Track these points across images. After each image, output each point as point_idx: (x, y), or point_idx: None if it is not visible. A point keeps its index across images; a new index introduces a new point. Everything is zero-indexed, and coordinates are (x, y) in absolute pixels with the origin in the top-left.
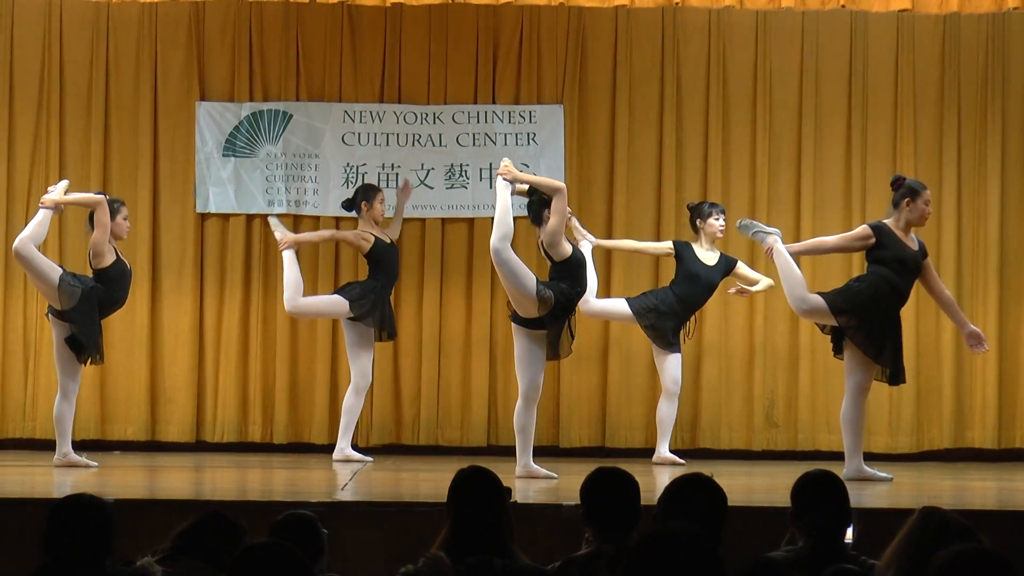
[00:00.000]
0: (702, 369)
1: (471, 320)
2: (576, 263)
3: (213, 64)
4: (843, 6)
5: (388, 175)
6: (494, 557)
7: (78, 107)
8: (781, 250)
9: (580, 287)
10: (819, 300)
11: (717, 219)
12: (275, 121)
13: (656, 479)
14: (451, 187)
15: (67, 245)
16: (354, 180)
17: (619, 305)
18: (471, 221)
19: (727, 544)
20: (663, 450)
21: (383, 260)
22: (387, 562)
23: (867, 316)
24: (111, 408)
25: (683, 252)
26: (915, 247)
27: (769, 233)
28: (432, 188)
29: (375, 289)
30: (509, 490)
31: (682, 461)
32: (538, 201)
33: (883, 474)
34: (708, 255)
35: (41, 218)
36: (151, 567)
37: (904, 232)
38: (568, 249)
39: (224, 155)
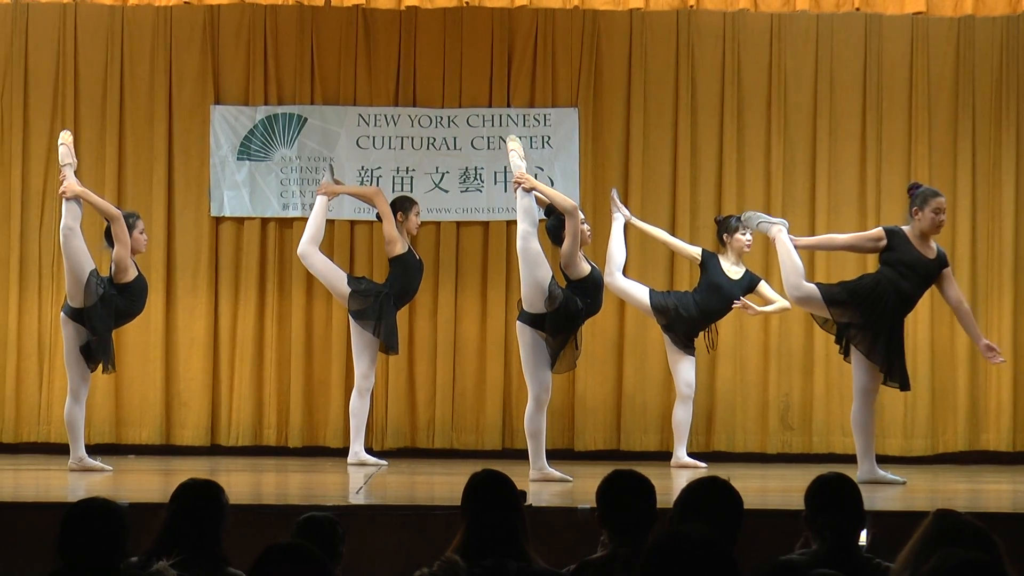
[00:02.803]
0: (717, 372)
1: (486, 323)
2: (593, 283)
3: (228, 68)
4: (857, 9)
5: (403, 178)
6: (509, 560)
7: (93, 110)
8: (783, 239)
9: (592, 305)
10: (813, 289)
11: (744, 234)
12: (290, 125)
13: (672, 482)
14: (466, 190)
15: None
16: (369, 183)
17: (641, 293)
18: (486, 224)
19: (741, 547)
20: (680, 454)
21: (406, 271)
22: (402, 565)
23: (862, 312)
24: (126, 412)
25: (709, 262)
26: (932, 255)
27: (773, 223)
28: (447, 191)
29: (380, 295)
30: (524, 493)
31: (703, 464)
32: (555, 222)
33: (895, 477)
34: (733, 269)
35: (68, 206)
36: (166, 571)
37: (921, 240)
38: (585, 269)
39: (239, 159)
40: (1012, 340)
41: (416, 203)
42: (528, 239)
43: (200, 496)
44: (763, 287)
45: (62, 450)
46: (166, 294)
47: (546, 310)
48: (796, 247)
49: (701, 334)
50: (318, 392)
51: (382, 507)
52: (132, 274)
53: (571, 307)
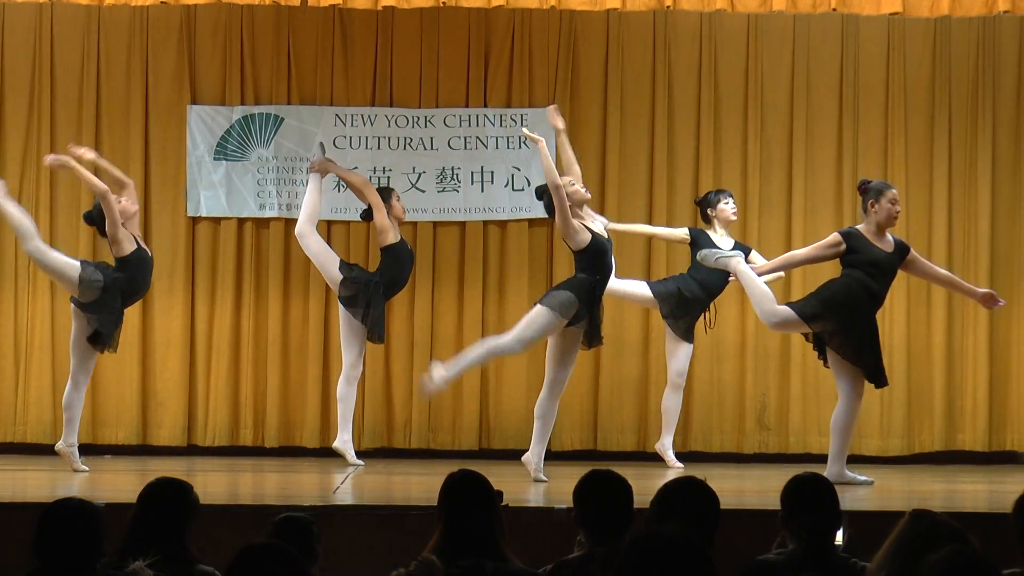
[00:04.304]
0: (694, 372)
1: (463, 323)
2: (596, 250)
3: (204, 67)
4: (834, 9)
5: (379, 179)
6: (486, 560)
7: (69, 110)
8: (744, 270)
9: (601, 274)
10: (786, 311)
11: (727, 203)
12: (266, 124)
13: (649, 482)
14: (442, 191)
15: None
16: (345, 184)
17: (640, 288)
18: (463, 224)
19: (718, 547)
20: (667, 443)
21: (397, 261)
22: (379, 565)
23: (841, 319)
24: (102, 412)
25: (699, 239)
26: (890, 248)
27: (731, 257)
28: (423, 191)
29: (371, 283)
30: (500, 493)
31: (679, 465)
32: (548, 200)
33: (863, 478)
34: (723, 241)
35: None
36: (142, 571)
37: (877, 235)
38: (586, 237)
39: (215, 159)
40: (988, 341)
41: (394, 189)
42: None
43: (168, 496)
44: (754, 256)
45: (38, 450)
46: None
47: (570, 317)
48: (759, 275)
49: (700, 318)
50: (295, 392)
51: (359, 507)
52: (128, 247)
53: (582, 293)
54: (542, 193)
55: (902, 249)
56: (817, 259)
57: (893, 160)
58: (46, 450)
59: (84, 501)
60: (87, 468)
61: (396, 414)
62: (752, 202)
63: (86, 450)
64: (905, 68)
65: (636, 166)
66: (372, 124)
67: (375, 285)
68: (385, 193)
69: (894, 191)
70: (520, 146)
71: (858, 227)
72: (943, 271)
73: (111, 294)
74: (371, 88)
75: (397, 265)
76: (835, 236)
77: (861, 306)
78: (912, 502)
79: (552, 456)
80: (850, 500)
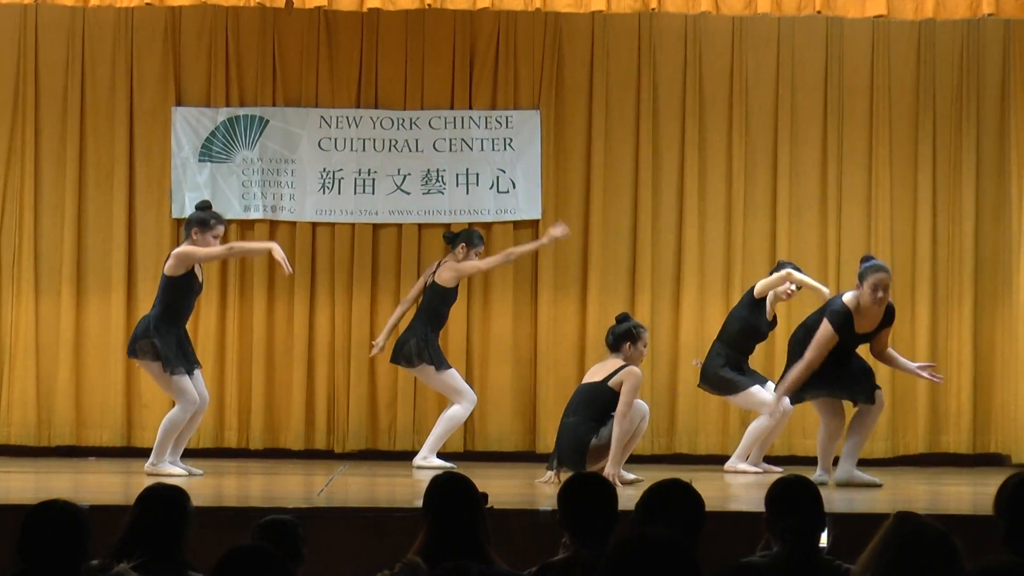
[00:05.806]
0: (679, 374)
1: (447, 326)
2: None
3: (189, 69)
4: (819, 12)
5: (365, 180)
6: (471, 562)
7: (54, 112)
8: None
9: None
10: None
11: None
12: (251, 126)
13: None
14: (428, 192)
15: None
16: (330, 185)
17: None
18: (448, 226)
19: (703, 549)
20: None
21: (443, 300)
22: (363, 567)
23: (820, 386)
24: (86, 414)
25: None
26: (876, 323)
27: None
28: (408, 193)
29: (417, 332)
30: (485, 495)
31: (778, 469)
32: (627, 332)
33: (872, 478)
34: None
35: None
36: (127, 574)
37: (867, 313)
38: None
39: (200, 160)
40: (972, 342)
41: (483, 245)
42: None
43: (165, 501)
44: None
45: (22, 452)
46: (127, 296)
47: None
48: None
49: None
50: (279, 394)
51: (344, 509)
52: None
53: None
54: (622, 321)
55: (884, 321)
56: (822, 357)
57: (877, 162)
58: (30, 451)
59: (68, 503)
60: (200, 471)
61: (381, 416)
62: (737, 204)
63: (70, 452)
64: (889, 70)
65: (621, 168)
66: (357, 126)
67: (421, 329)
68: (476, 240)
69: (880, 276)
70: (505, 148)
71: (849, 306)
72: (887, 352)
73: (160, 343)
74: (356, 90)
75: (444, 304)
76: (831, 334)
77: (825, 368)
78: (896, 504)
79: (537, 458)
80: (835, 502)
